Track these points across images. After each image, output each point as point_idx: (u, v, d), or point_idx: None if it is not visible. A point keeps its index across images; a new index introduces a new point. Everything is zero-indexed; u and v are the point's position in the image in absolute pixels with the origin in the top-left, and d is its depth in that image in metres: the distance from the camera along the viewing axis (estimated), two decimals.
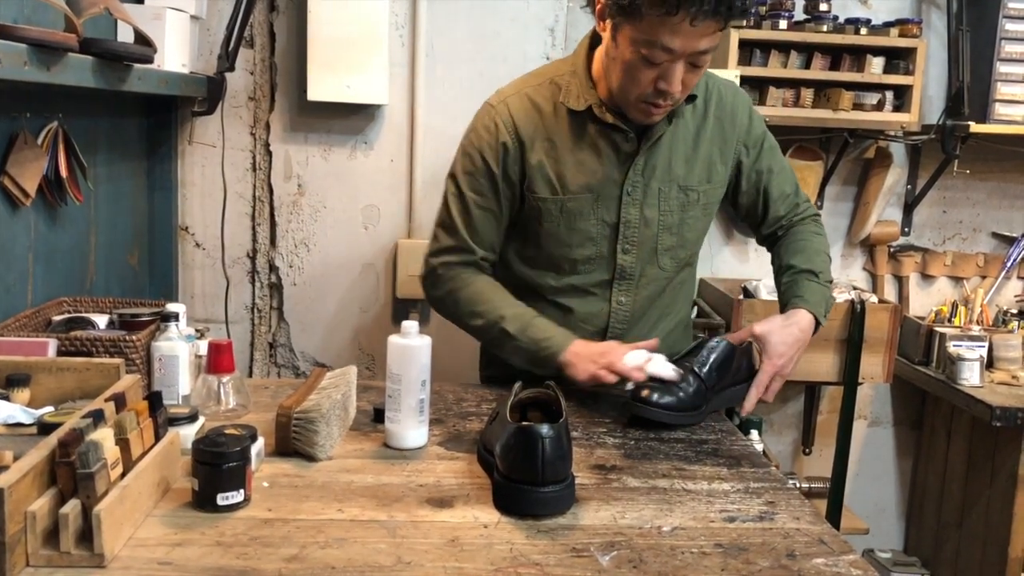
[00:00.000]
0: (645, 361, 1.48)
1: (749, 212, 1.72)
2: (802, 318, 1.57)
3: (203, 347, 1.50)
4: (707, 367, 1.50)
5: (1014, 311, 2.68)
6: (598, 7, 1.44)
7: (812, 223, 1.73)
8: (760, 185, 1.68)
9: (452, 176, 1.63)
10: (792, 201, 1.71)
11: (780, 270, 1.69)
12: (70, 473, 0.98)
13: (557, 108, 1.57)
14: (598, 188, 1.57)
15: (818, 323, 1.59)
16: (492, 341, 1.61)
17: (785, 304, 1.62)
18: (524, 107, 1.58)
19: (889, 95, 2.46)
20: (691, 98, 1.58)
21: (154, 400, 1.17)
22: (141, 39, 1.69)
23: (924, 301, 2.78)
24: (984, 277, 2.77)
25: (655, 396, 1.46)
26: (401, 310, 2.56)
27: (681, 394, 1.47)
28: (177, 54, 2.10)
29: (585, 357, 1.50)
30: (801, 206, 1.73)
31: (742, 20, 1.41)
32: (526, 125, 1.57)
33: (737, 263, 2.74)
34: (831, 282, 1.67)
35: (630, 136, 1.55)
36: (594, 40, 1.58)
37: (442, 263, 1.63)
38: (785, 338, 1.53)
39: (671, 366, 1.49)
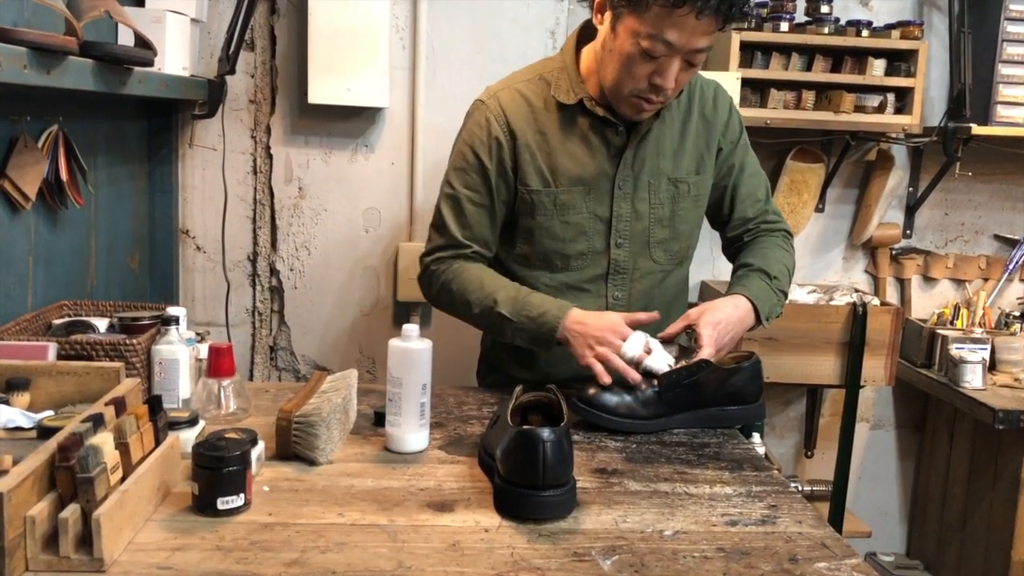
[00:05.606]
0: (644, 354, 1.46)
1: (715, 208, 1.71)
2: (740, 301, 1.54)
3: (203, 350, 1.51)
4: (668, 379, 1.46)
5: (1016, 313, 2.68)
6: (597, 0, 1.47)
7: (781, 237, 1.70)
8: (729, 180, 1.68)
9: (446, 180, 1.65)
10: (761, 207, 1.70)
11: (734, 270, 1.67)
12: (70, 477, 0.98)
13: (548, 102, 1.58)
14: (590, 181, 1.59)
15: (758, 317, 1.55)
16: (492, 328, 1.61)
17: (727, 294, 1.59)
18: (515, 101, 1.59)
19: (891, 97, 2.46)
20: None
21: (154, 404, 1.17)
22: (141, 42, 1.69)
23: (926, 304, 2.78)
24: (986, 279, 2.76)
25: (603, 397, 1.45)
26: (402, 313, 2.56)
27: (630, 398, 1.45)
28: (178, 57, 2.10)
29: (582, 338, 1.48)
30: (771, 215, 1.71)
31: (741, 22, 1.44)
32: (517, 118, 1.58)
33: None
34: (785, 294, 1.63)
35: (619, 130, 1.57)
36: (581, 37, 1.60)
37: (434, 260, 1.64)
38: (722, 307, 1.51)
39: (668, 357, 1.47)
